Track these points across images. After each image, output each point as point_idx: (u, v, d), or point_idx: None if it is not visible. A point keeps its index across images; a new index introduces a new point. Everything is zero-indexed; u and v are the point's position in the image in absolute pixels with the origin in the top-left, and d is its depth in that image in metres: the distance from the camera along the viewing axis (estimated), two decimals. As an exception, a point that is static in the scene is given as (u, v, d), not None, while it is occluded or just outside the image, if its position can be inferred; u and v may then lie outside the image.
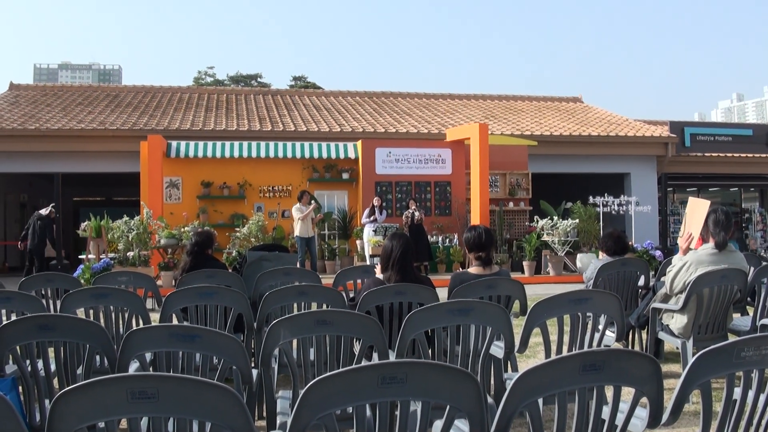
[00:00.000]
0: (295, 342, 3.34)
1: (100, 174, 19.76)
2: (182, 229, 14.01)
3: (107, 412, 1.84)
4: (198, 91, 25.17)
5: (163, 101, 22.63)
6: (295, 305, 4.76)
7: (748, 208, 26.45)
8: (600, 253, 7.09)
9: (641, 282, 6.33)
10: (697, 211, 5.50)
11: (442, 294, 4.52)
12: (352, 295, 5.77)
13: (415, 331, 3.39)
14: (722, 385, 2.33)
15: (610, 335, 4.23)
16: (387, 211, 16.60)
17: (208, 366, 3.51)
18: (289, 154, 17.54)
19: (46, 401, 3.33)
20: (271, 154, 17.45)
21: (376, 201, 15.79)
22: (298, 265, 9.00)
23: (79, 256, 14.84)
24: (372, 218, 15.47)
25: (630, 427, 2.26)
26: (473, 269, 4.99)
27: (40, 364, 3.41)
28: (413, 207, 15.43)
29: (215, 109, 21.67)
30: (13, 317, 4.45)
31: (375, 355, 3.33)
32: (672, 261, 5.51)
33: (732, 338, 2.28)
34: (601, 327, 3.85)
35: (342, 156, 17.82)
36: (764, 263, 6.24)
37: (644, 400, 2.13)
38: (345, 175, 17.96)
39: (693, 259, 5.16)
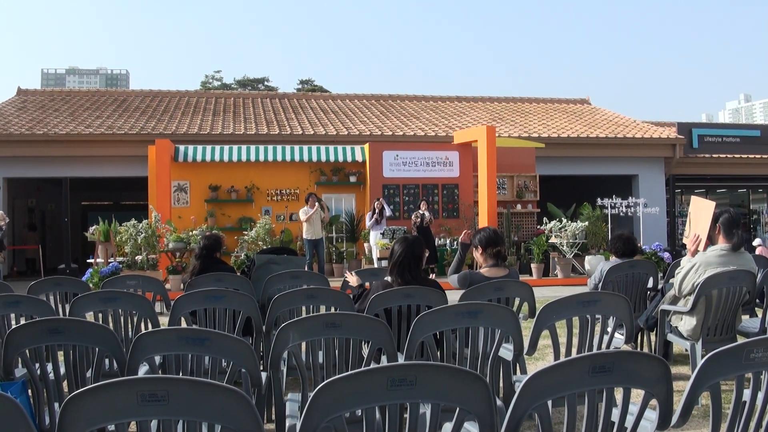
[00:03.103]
0: (304, 345, 3.35)
1: (108, 178, 19.80)
2: (190, 233, 14.02)
3: (117, 414, 1.84)
4: (205, 95, 25.22)
5: (171, 105, 22.68)
6: (304, 308, 4.77)
7: (757, 209, 26.35)
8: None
9: (650, 284, 6.32)
10: (702, 212, 5.47)
11: (451, 297, 4.52)
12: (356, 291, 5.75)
13: (424, 334, 3.39)
14: (731, 386, 2.33)
15: (619, 337, 4.22)
16: (392, 209, 16.64)
17: (217, 369, 3.52)
18: (297, 158, 17.57)
19: (56, 404, 3.35)
20: (279, 158, 17.48)
21: (377, 204, 15.77)
22: (306, 268, 9.01)
23: (88, 260, 14.88)
24: (376, 219, 15.46)
25: (639, 429, 2.25)
26: (485, 270, 4.99)
27: (49, 367, 3.42)
28: (424, 208, 15.43)
29: (222, 112, 21.71)
30: (23, 321, 4.47)
31: (384, 358, 3.33)
32: (681, 263, 5.49)
33: (741, 340, 2.28)
34: (609, 329, 3.85)
35: (349, 159, 17.83)
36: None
37: (653, 402, 2.12)
38: (352, 178, 17.98)
39: (701, 260, 5.14)
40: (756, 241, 16.08)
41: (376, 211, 15.59)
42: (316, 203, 15.03)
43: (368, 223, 15.77)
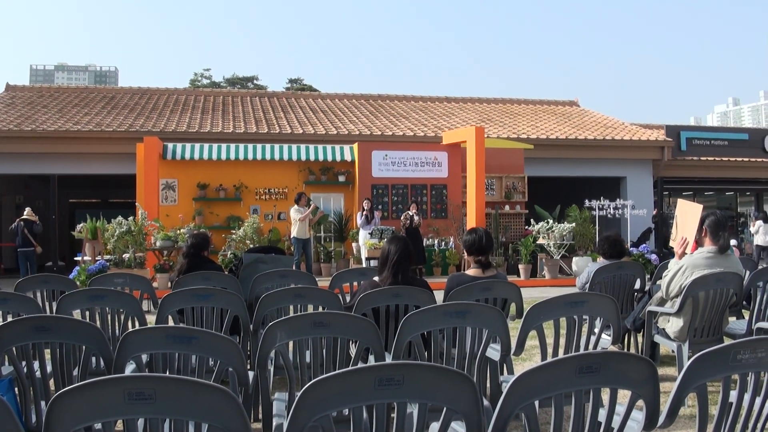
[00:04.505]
0: (291, 344, 3.34)
1: (96, 176, 19.70)
2: (178, 231, 13.98)
3: (104, 413, 1.84)
4: (194, 93, 25.15)
5: (160, 103, 22.60)
6: (292, 307, 4.76)
7: (744, 212, 26.50)
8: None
9: (637, 285, 6.34)
10: (689, 215, 5.50)
11: (439, 296, 4.53)
12: (348, 298, 5.77)
13: (412, 334, 3.39)
14: (718, 388, 2.34)
15: (606, 338, 4.23)
16: (381, 210, 16.62)
17: (204, 368, 3.51)
18: (286, 157, 17.52)
19: (43, 403, 3.33)
20: (267, 157, 17.42)
21: (365, 204, 15.76)
22: (294, 267, 9.00)
23: (75, 258, 14.81)
24: (366, 218, 15.44)
25: (626, 429, 2.26)
26: (471, 271, 4.98)
27: (36, 365, 3.40)
28: (414, 210, 15.43)
29: (211, 111, 21.64)
30: (10, 318, 4.45)
31: (371, 357, 3.33)
32: (668, 265, 5.52)
33: (728, 341, 2.29)
34: (597, 330, 3.86)
35: (338, 159, 17.80)
36: (760, 267, 6.26)
37: (640, 402, 2.13)
38: (341, 178, 17.95)
39: (689, 262, 5.17)
40: (732, 242, 16.19)
41: (365, 210, 15.58)
42: (311, 203, 15.00)
43: (359, 222, 15.75)
